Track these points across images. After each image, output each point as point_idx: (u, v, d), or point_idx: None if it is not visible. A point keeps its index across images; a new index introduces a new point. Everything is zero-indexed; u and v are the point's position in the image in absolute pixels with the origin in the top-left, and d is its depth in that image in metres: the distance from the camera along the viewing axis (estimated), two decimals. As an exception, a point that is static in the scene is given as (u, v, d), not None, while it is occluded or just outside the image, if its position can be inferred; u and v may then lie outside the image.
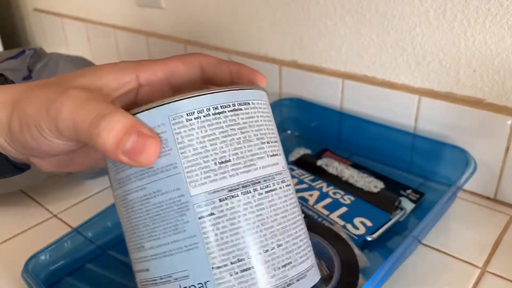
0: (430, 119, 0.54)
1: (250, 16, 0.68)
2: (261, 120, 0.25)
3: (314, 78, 0.63)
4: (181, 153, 0.23)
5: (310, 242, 0.27)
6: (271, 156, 0.25)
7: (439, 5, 0.50)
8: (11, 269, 0.44)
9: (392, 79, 0.57)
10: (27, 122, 0.24)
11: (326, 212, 0.47)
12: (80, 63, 0.63)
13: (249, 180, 0.23)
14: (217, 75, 0.29)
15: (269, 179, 0.24)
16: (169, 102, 0.23)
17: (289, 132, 0.67)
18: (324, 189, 0.51)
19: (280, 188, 0.25)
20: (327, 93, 0.63)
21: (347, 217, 0.46)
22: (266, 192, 0.24)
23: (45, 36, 1.18)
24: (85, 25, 1.00)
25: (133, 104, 0.28)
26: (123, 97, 0.27)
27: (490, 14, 0.47)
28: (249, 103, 0.25)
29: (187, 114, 0.23)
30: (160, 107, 0.23)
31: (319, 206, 0.48)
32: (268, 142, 0.25)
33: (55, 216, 0.52)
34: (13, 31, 1.33)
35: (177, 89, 0.29)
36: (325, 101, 0.63)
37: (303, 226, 0.27)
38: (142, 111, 0.23)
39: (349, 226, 0.45)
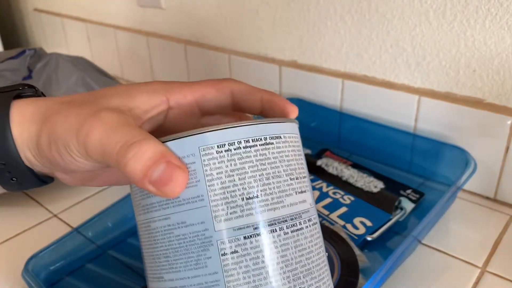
0: (430, 119, 0.54)
1: (250, 16, 0.68)
2: (291, 155, 0.24)
3: (314, 78, 0.63)
4: (209, 185, 0.22)
5: (332, 283, 0.26)
6: (299, 193, 0.24)
7: (439, 5, 0.50)
8: (12, 269, 0.44)
9: (392, 79, 0.57)
10: (55, 141, 0.24)
11: (326, 212, 0.47)
12: (81, 63, 0.63)
13: (276, 219, 0.23)
14: (247, 102, 0.29)
15: (296, 218, 0.23)
16: (201, 133, 0.22)
17: None
18: (324, 189, 0.51)
19: (307, 227, 0.24)
20: (327, 93, 0.63)
21: (347, 217, 0.46)
22: (292, 231, 0.23)
23: (45, 36, 1.18)
24: (85, 25, 1.00)
25: (161, 126, 0.28)
26: (153, 119, 0.27)
27: (490, 14, 0.47)
28: (280, 137, 0.24)
29: (217, 146, 0.22)
30: (191, 137, 0.22)
31: (319, 206, 0.48)
32: (297, 178, 0.24)
33: (55, 216, 0.52)
34: (13, 31, 1.33)
35: (206, 113, 0.29)
36: (325, 101, 0.63)
37: (327, 266, 0.26)
38: (173, 140, 0.23)
39: (349, 226, 0.45)
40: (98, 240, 0.46)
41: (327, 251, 0.40)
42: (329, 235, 0.41)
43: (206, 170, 0.22)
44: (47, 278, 0.42)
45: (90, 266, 0.44)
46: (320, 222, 0.46)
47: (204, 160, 0.22)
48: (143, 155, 0.21)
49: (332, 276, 0.38)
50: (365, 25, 0.56)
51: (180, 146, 0.23)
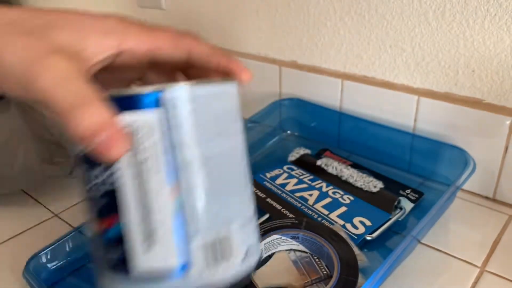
0: (429, 119, 0.54)
1: (250, 17, 0.69)
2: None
3: (314, 79, 0.64)
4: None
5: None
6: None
7: (438, 5, 0.50)
8: (13, 269, 0.44)
9: (391, 79, 0.57)
10: None
11: (325, 212, 0.47)
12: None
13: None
14: (203, 66, 0.28)
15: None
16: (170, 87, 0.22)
17: (289, 132, 0.67)
18: (324, 189, 0.51)
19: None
20: (327, 93, 0.63)
21: (347, 217, 0.46)
22: None
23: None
24: (86, 26, 1.00)
25: (106, 68, 0.26)
26: (101, 62, 0.26)
27: (489, 15, 0.47)
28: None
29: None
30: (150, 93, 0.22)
31: (319, 206, 0.49)
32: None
33: (56, 215, 0.52)
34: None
35: (154, 65, 0.28)
36: (325, 101, 0.64)
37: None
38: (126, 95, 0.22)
39: (348, 226, 0.45)
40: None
41: (327, 250, 0.40)
42: (329, 234, 0.41)
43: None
44: (47, 277, 0.42)
45: (91, 266, 0.44)
46: (320, 222, 0.46)
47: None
48: (87, 120, 0.21)
49: (332, 276, 0.38)
50: (364, 26, 0.57)
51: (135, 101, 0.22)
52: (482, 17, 0.47)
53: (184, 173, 0.22)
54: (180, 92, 0.22)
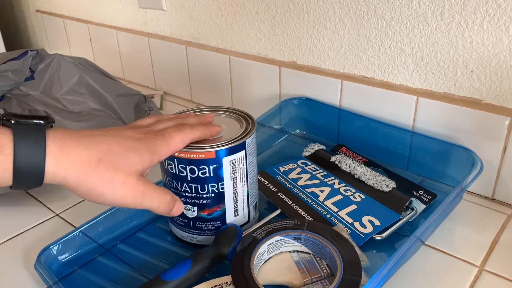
0: (428, 120, 0.55)
1: (250, 18, 0.69)
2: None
3: (313, 79, 0.64)
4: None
5: None
6: None
7: (437, 6, 0.50)
8: (16, 267, 0.45)
9: (390, 80, 0.57)
10: (100, 201, 0.35)
11: (335, 209, 0.47)
12: (82, 64, 0.64)
13: None
14: None
15: None
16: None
17: (297, 131, 0.67)
18: (336, 186, 0.51)
19: None
20: (326, 93, 0.63)
21: (356, 215, 0.46)
22: None
23: (47, 37, 1.19)
24: (87, 27, 1.01)
25: None
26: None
27: (487, 16, 0.47)
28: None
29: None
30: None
31: (329, 203, 0.48)
32: None
33: (58, 215, 0.53)
34: (15, 33, 1.33)
35: None
36: (324, 102, 0.64)
37: None
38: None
39: (356, 224, 0.45)
40: (108, 234, 0.47)
41: (329, 250, 0.40)
42: (331, 235, 0.41)
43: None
44: (58, 270, 0.43)
45: (101, 259, 0.45)
46: (329, 219, 0.46)
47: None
48: (169, 205, 0.39)
49: (333, 275, 0.38)
50: (363, 26, 0.57)
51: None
52: (481, 17, 0.47)
53: (249, 178, 0.44)
54: (250, 139, 0.42)
